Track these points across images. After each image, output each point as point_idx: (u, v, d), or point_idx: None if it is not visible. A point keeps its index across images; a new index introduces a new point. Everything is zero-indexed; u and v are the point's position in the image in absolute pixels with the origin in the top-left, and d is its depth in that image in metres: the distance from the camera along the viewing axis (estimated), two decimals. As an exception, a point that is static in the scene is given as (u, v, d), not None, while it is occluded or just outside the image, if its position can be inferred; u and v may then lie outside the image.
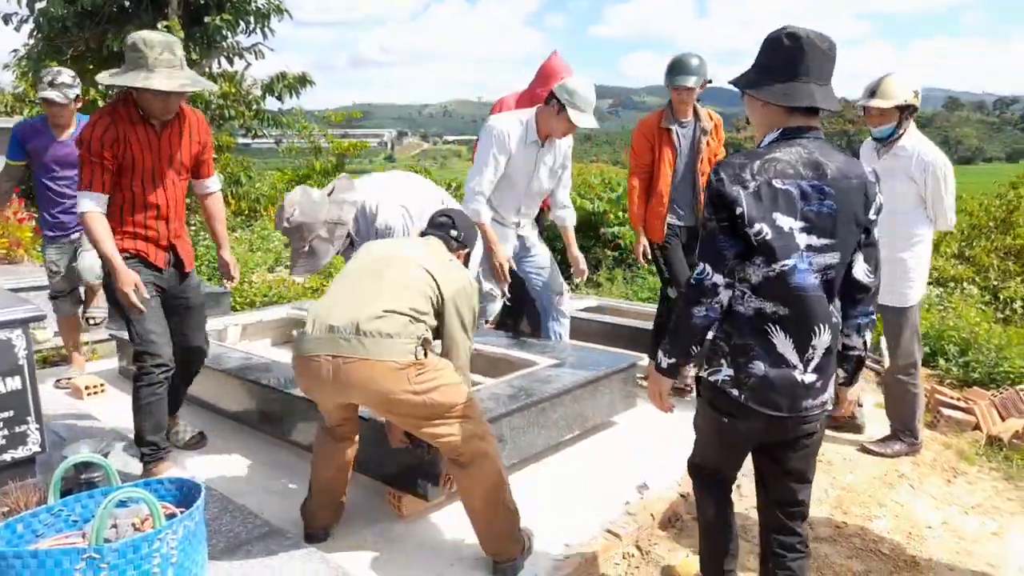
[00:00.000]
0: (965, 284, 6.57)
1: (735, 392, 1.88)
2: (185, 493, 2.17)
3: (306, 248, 3.03)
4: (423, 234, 2.61)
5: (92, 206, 2.66)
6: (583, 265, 4.09)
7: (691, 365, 2.10)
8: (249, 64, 7.96)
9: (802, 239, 1.81)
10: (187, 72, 2.77)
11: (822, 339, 1.87)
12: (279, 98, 8.07)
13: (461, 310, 2.37)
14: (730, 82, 1.96)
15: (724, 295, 1.84)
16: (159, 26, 6.57)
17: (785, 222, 1.80)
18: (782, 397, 1.86)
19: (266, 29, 7.58)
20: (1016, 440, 3.74)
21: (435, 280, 2.32)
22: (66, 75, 3.88)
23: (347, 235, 3.09)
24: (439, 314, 2.34)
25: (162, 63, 2.65)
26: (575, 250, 4.11)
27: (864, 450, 3.66)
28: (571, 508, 2.82)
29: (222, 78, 8.54)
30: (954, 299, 6.19)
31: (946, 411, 4.05)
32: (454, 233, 2.57)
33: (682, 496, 2.95)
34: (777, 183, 1.79)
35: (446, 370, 2.28)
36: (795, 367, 1.86)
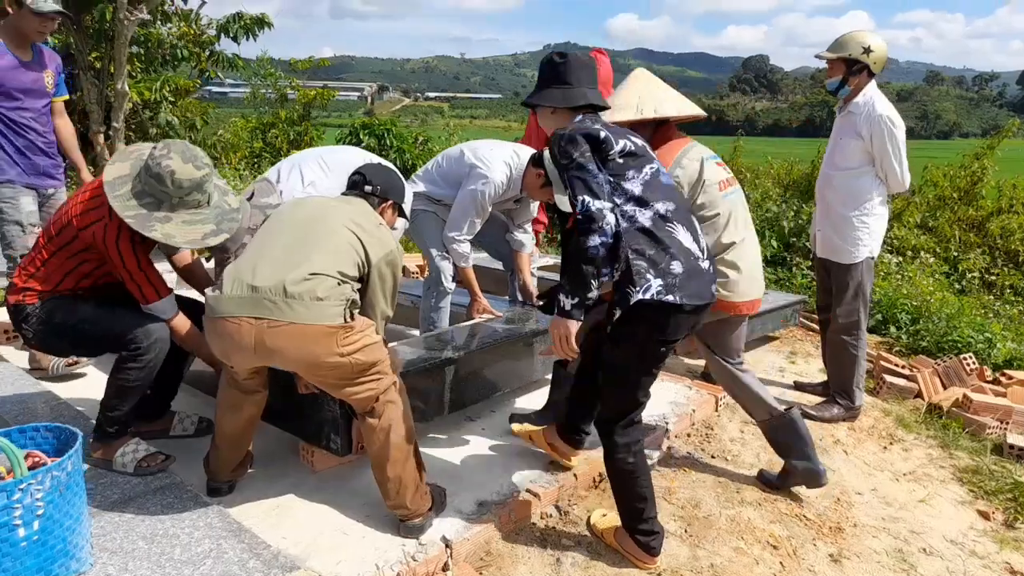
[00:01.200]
0: (923, 254, 6.55)
1: (671, 297, 2.02)
2: (63, 441, 2.03)
3: (231, 258, 2.82)
4: (344, 195, 2.47)
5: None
6: (535, 292, 3.79)
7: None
8: (204, 2, 7.59)
9: (651, 151, 2.23)
10: (212, 212, 2.41)
11: (700, 229, 2.23)
12: (235, 39, 7.71)
13: (384, 276, 2.26)
14: (523, 104, 2.31)
15: (609, 216, 2.00)
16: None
17: (635, 140, 2.17)
18: (704, 286, 2.12)
19: (221, -35, 7.23)
20: (956, 409, 3.72)
21: (362, 243, 2.20)
22: None
23: None
24: (362, 278, 2.23)
25: (188, 204, 2.36)
26: (527, 276, 3.82)
27: (802, 415, 3.61)
28: (492, 465, 2.74)
29: (176, 17, 8.16)
30: (912, 268, 6.17)
31: (889, 378, 4.01)
32: (369, 188, 2.43)
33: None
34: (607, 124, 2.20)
35: (368, 330, 2.18)
36: (697, 257, 2.13)
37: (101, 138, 7.65)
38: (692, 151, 2.69)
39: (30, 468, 1.87)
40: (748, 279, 2.72)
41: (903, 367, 4.19)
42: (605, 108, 2.25)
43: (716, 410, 3.53)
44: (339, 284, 2.10)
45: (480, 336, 3.17)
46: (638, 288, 2.01)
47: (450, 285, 3.49)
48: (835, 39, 3.41)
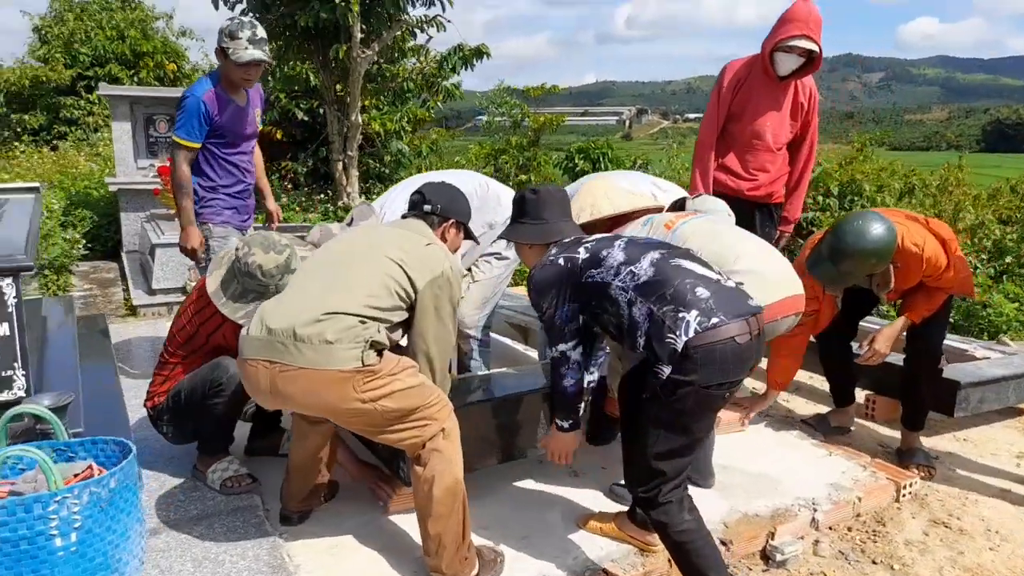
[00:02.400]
0: None
1: (715, 320, 1.87)
2: (125, 455, 2.12)
3: None
4: (404, 217, 2.36)
5: None
6: None
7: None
8: (431, 37, 8.09)
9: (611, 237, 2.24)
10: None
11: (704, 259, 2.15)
12: (454, 70, 8.11)
13: (434, 302, 2.10)
14: (499, 237, 2.48)
15: (574, 356, 2.13)
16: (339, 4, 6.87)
17: (590, 240, 2.21)
18: (741, 299, 2.00)
19: (444, 0, 7.63)
20: None
21: (405, 270, 2.06)
22: (261, 29, 3.27)
23: None
24: (412, 307, 2.10)
25: (285, 287, 2.38)
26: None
27: None
28: (567, 531, 2.40)
29: (411, 52, 8.81)
30: None
31: None
32: (428, 208, 2.28)
33: (722, 543, 2.38)
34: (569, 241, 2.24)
35: (402, 373, 2.01)
36: (716, 280, 2.01)
37: (340, 166, 8.51)
38: (628, 228, 2.63)
39: (85, 479, 1.97)
40: (760, 284, 2.34)
41: None
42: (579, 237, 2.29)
43: (897, 501, 2.79)
44: (361, 322, 1.96)
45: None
46: (678, 332, 1.86)
47: None
48: None
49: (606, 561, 2.25)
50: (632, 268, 2.00)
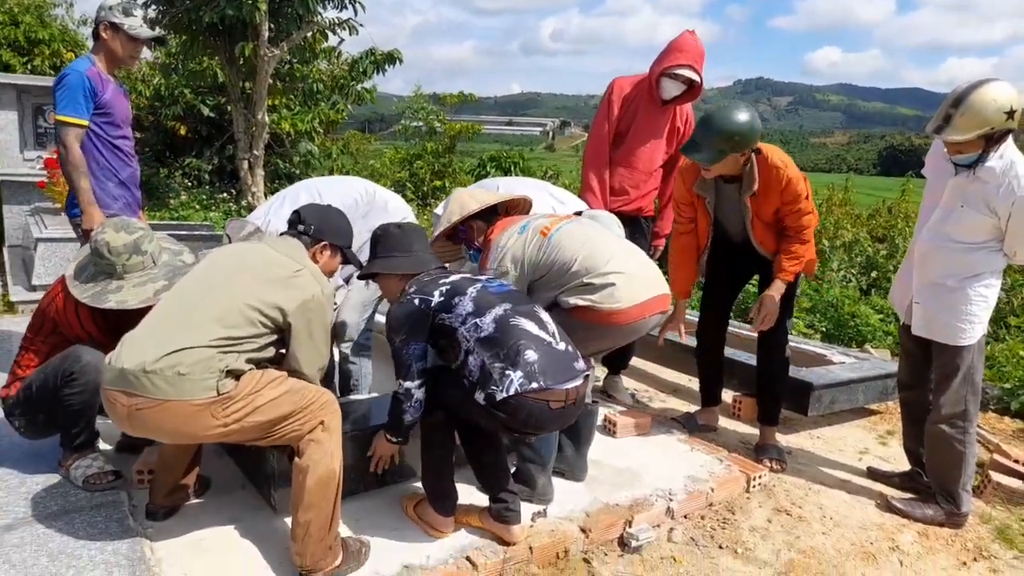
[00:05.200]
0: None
1: (535, 384, 2.09)
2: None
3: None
4: (282, 235, 2.39)
5: None
6: None
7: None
8: (342, 40, 8.08)
9: (474, 277, 2.40)
10: (162, 270, 2.54)
11: (545, 318, 2.31)
12: (364, 74, 8.12)
13: (311, 326, 2.15)
14: (359, 277, 2.64)
15: (417, 394, 2.28)
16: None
17: (452, 279, 2.35)
18: (567, 367, 2.21)
19: (356, 4, 7.65)
20: (1081, 526, 2.92)
21: (271, 299, 2.08)
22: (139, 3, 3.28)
23: None
24: (281, 329, 2.13)
25: (133, 268, 2.50)
26: None
27: (888, 507, 3.01)
28: (440, 526, 2.49)
29: (323, 55, 8.75)
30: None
31: (996, 476, 3.25)
32: (301, 227, 2.33)
33: (583, 530, 2.52)
34: (426, 277, 2.39)
35: (265, 388, 2.04)
36: (549, 342, 2.22)
37: (246, 165, 8.37)
38: (505, 234, 2.66)
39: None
40: (629, 284, 2.55)
41: (1021, 462, 3.38)
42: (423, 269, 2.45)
43: (747, 492, 3.02)
44: (219, 352, 1.98)
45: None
46: (501, 387, 2.08)
47: None
48: (957, 104, 2.57)
49: (469, 549, 2.35)
50: (477, 320, 2.17)
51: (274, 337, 2.14)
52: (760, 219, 3.18)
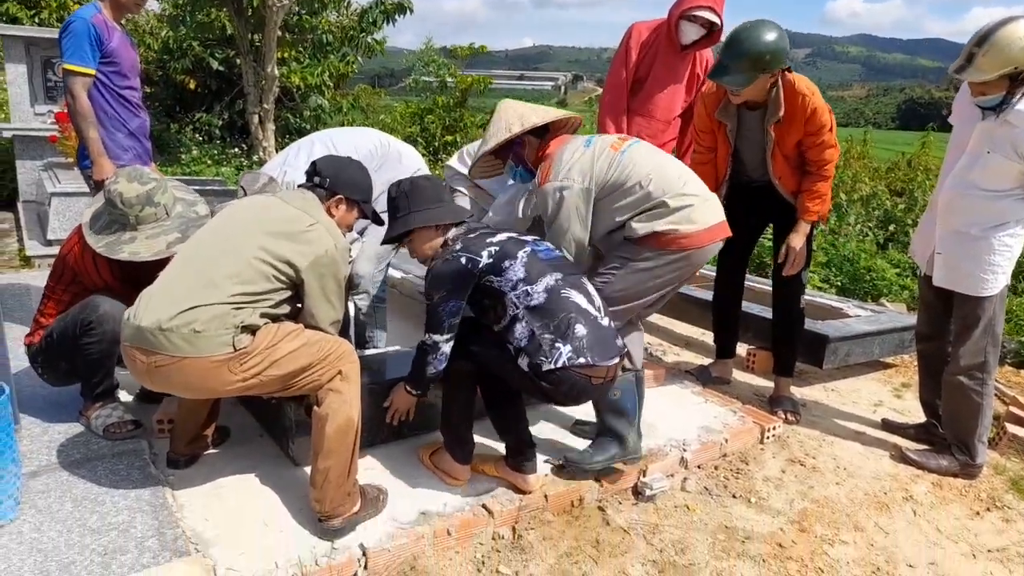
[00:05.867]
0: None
1: (582, 359, 2.11)
2: (-2, 398, 2.11)
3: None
4: (299, 188, 2.35)
5: None
6: None
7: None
8: (352, -11, 7.92)
9: (521, 239, 2.32)
10: (175, 222, 2.54)
11: (591, 289, 2.31)
12: (374, 24, 7.97)
13: (323, 281, 2.12)
14: (387, 241, 2.49)
15: (445, 348, 2.27)
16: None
17: (500, 238, 2.30)
18: (610, 344, 2.21)
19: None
20: (1096, 477, 2.91)
21: (283, 254, 2.05)
22: None
23: None
24: (296, 284, 2.11)
25: (146, 220, 2.48)
26: None
27: (902, 458, 3.02)
28: (455, 474, 2.52)
29: (332, 4, 8.59)
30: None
31: (1013, 428, 3.24)
32: (317, 180, 2.28)
33: (597, 479, 2.54)
34: (471, 235, 2.32)
35: (282, 342, 2.04)
36: (595, 316, 2.22)
37: (256, 119, 8.29)
38: (568, 147, 2.50)
39: (-47, 420, 1.96)
40: (704, 205, 2.47)
41: (1037, 416, 3.36)
42: (462, 220, 2.39)
43: (761, 443, 3.03)
44: (233, 309, 1.97)
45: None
46: (549, 359, 2.10)
47: None
48: (981, 43, 2.51)
49: (486, 497, 2.38)
50: (528, 288, 2.16)
51: (289, 293, 2.12)
52: (781, 151, 3.08)
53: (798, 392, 3.56)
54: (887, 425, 3.32)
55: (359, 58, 9.07)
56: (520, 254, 2.22)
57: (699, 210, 2.44)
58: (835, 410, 3.48)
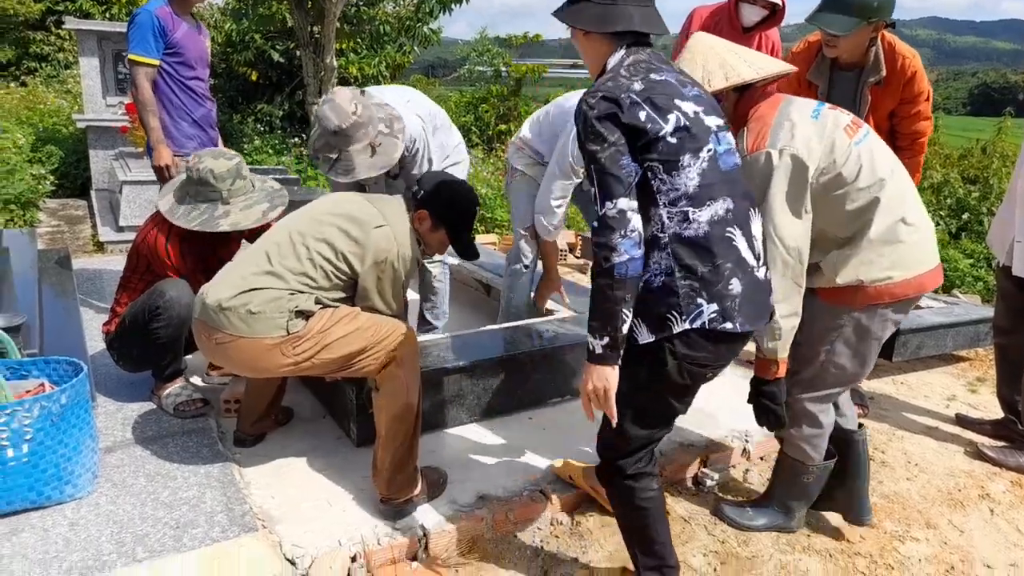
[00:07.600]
0: None
1: (728, 325, 1.62)
2: (76, 374, 2.20)
3: (370, 148, 2.69)
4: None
5: None
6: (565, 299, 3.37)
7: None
8: (409, -20, 7.96)
9: (710, 120, 1.68)
10: (260, 193, 2.63)
11: (756, 224, 1.75)
12: (430, 14, 8.00)
13: (381, 284, 2.12)
14: (553, 14, 1.77)
15: (635, 219, 1.56)
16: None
17: (688, 107, 1.65)
18: (762, 305, 1.73)
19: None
20: None
21: (345, 254, 2.07)
22: None
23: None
24: (355, 280, 2.12)
25: (237, 193, 2.58)
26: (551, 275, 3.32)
27: (978, 454, 2.90)
28: (514, 459, 2.52)
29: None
30: None
31: (1099, 425, 3.06)
32: (415, 188, 2.25)
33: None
34: (655, 76, 1.65)
35: (335, 326, 2.05)
36: (753, 267, 1.69)
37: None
38: (794, 107, 1.95)
39: (36, 395, 2.04)
40: (922, 242, 1.98)
41: None
42: (660, 32, 1.72)
43: (827, 434, 2.93)
44: (290, 294, 2.01)
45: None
46: (686, 315, 1.60)
47: (526, 264, 3.24)
48: None
49: (543, 483, 2.37)
50: (690, 210, 1.60)
51: (346, 284, 2.12)
52: (875, 118, 2.89)
53: (866, 384, 3.44)
54: (961, 420, 3.19)
55: (415, 48, 9.13)
56: (703, 153, 1.63)
57: (916, 245, 1.96)
58: (905, 404, 3.36)
